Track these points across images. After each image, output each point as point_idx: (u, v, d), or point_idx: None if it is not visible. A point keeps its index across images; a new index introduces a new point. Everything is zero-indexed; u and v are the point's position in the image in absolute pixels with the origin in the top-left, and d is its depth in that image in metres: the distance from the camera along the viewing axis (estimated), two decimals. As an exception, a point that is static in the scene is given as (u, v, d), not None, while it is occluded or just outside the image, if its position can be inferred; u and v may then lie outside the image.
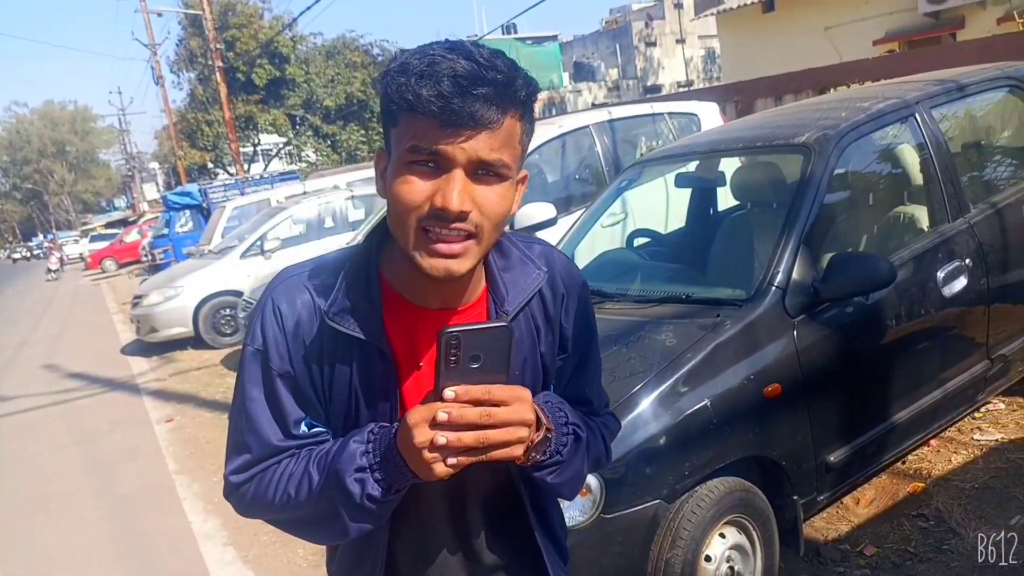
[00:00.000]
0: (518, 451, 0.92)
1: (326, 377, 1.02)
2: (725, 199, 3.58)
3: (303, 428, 1.03)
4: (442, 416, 0.86)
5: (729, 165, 3.45)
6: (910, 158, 3.02)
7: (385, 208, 0.96)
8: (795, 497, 2.44)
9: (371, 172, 1.55)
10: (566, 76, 40.65)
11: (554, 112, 35.32)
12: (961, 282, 2.77)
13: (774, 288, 2.45)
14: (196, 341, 8.75)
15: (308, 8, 26.92)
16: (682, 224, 3.76)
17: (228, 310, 8.71)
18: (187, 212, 15.60)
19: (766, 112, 3.81)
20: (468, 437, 0.87)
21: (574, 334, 1.14)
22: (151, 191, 48.07)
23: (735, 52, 16.02)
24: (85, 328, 12.87)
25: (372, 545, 1.07)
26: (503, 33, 35.36)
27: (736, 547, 2.34)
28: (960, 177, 2.96)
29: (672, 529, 2.18)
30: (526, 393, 0.93)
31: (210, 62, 21.27)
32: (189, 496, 4.44)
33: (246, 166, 26.70)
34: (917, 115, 2.94)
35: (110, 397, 7.44)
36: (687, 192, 3.70)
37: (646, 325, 2.53)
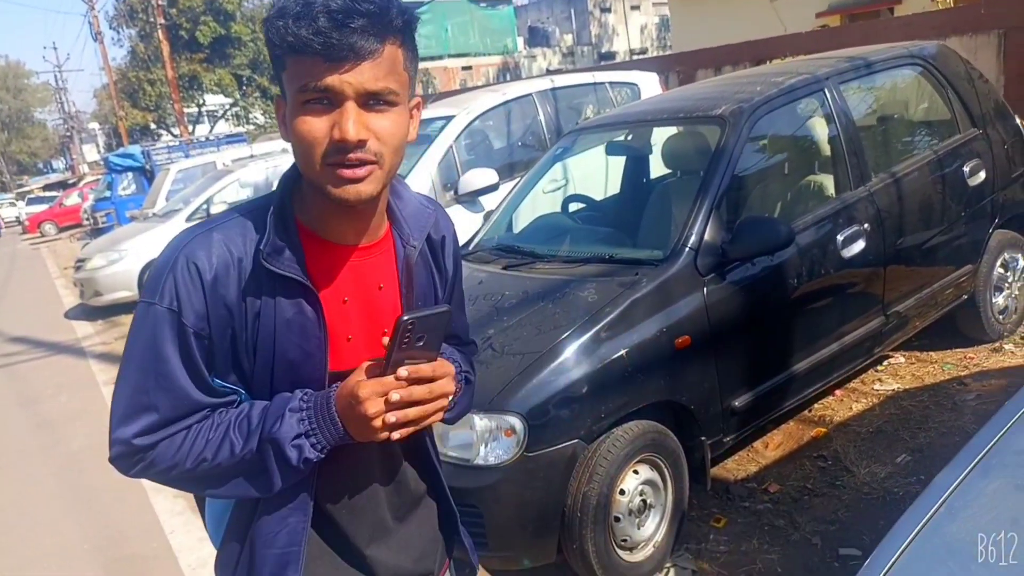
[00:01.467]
0: (441, 416, 1.04)
1: (250, 326, 1.02)
2: (659, 167, 3.78)
3: (215, 384, 1.05)
4: (395, 396, 0.96)
5: (663, 134, 3.65)
6: (819, 130, 3.27)
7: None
8: (703, 438, 2.69)
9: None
10: (520, 41, 40.38)
11: (508, 77, 35.18)
12: (859, 245, 3.03)
13: (687, 249, 2.67)
14: (142, 305, 8.68)
15: (254, -36, 26.04)
16: (617, 190, 3.97)
17: (175, 274, 8.65)
18: (130, 174, 15.25)
19: (695, 84, 4.01)
20: (413, 412, 0.98)
21: (451, 275, 1.24)
22: (91, 152, 46.39)
23: (685, 21, 16.22)
24: (26, 292, 12.57)
25: (297, 489, 1.08)
26: (458, -6, 34.90)
27: (648, 482, 2.59)
28: (864, 148, 3.22)
29: (589, 466, 2.40)
30: (451, 368, 1.03)
31: (152, 19, 20.54)
32: (176, 528, 4.47)
33: (191, 127, 26.01)
34: (826, 90, 3.18)
35: (55, 360, 7.39)
36: (624, 160, 3.90)
37: (572, 283, 2.73)
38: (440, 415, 1.03)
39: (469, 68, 36.64)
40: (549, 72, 32.58)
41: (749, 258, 2.68)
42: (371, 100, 0.93)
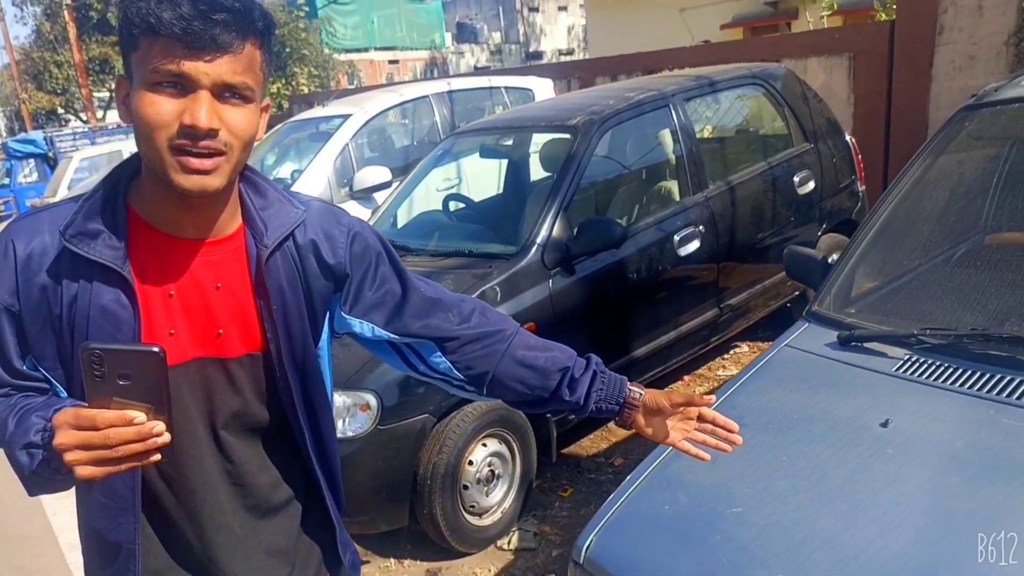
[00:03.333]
0: (138, 463, 0.89)
1: (65, 308, 0.99)
2: (539, 170, 4.11)
3: (25, 367, 1.02)
4: (83, 432, 0.85)
5: (539, 140, 3.97)
6: (663, 141, 3.65)
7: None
8: (548, 415, 3.02)
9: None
10: (448, 37, 40.44)
11: (436, 72, 35.20)
12: (694, 244, 3.43)
13: (536, 245, 2.99)
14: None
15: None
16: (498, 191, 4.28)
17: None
18: (32, 161, 14.69)
19: (566, 95, 4.38)
20: (102, 453, 0.85)
21: (355, 270, 1.16)
22: (-9, 136, 43.84)
23: (600, 27, 16.76)
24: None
25: (121, 487, 1.04)
26: (385, -13, 34.68)
27: (496, 454, 2.89)
28: (703, 159, 3.62)
29: (439, 439, 2.69)
30: (133, 416, 0.86)
31: (57, -2, 19.73)
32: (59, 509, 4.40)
33: (101, 113, 25.04)
34: (671, 106, 3.56)
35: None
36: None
37: (433, 275, 2.99)
38: (139, 461, 0.88)
39: (396, 62, 36.37)
40: (477, 69, 32.77)
41: (589, 254, 3.02)
42: (226, 92, 0.94)
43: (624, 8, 15.71)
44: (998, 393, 1.44)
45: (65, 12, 18.04)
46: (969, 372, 1.51)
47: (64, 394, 1.04)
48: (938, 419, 1.45)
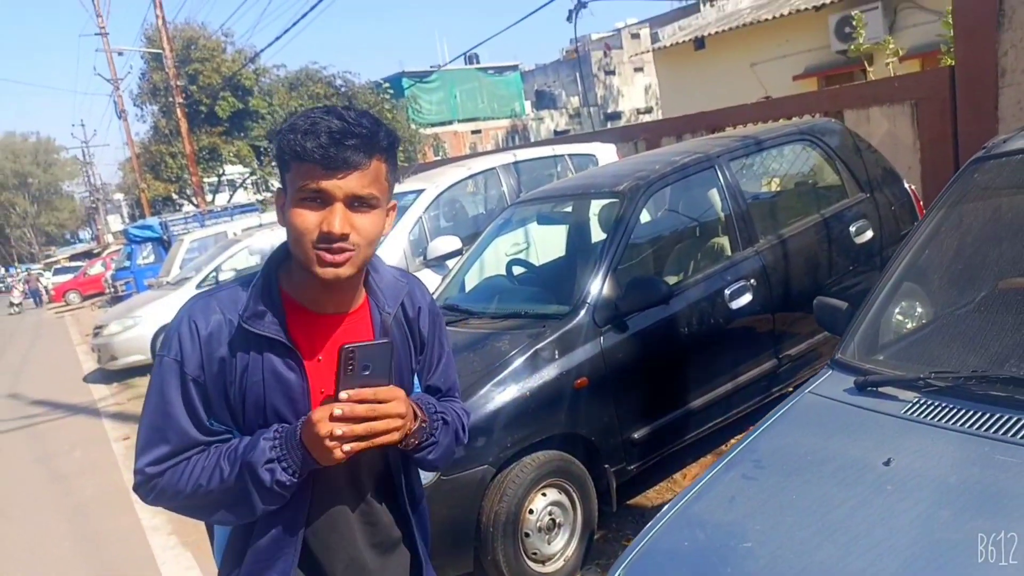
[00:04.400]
0: (396, 437, 1.20)
1: (239, 376, 1.21)
2: (598, 233, 4.33)
3: (212, 425, 1.25)
4: (338, 412, 1.14)
5: (597, 205, 4.20)
6: (711, 200, 3.80)
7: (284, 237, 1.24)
8: (606, 465, 3.15)
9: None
10: (528, 104, 41.74)
11: (517, 139, 36.29)
12: (747, 297, 3.53)
13: (587, 305, 3.19)
14: (154, 367, 9.25)
15: (270, 44, 27.65)
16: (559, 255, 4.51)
17: (185, 337, 9.22)
18: (149, 244, 16.07)
19: (617, 161, 4.59)
20: (359, 427, 1.15)
21: (429, 338, 1.43)
22: (116, 222, 48.04)
23: (671, 86, 17.04)
24: (48, 359, 13.25)
25: (290, 525, 1.26)
26: (465, 63, 36.26)
27: (556, 504, 3.04)
28: (751, 215, 3.74)
29: (500, 488, 2.87)
30: (401, 393, 1.20)
31: (171, 97, 21.82)
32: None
33: (212, 196, 27.17)
34: (717, 167, 3.72)
35: (71, 420, 7.95)
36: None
37: (491, 335, 3.24)
38: (395, 435, 1.20)
39: (479, 132, 37.76)
40: (557, 133, 33.55)
41: (637, 311, 3.18)
42: (356, 202, 1.16)
43: (693, 66, 15.96)
44: (995, 431, 1.51)
45: (178, 109, 19.93)
46: (970, 412, 1.59)
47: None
48: (936, 457, 1.53)
